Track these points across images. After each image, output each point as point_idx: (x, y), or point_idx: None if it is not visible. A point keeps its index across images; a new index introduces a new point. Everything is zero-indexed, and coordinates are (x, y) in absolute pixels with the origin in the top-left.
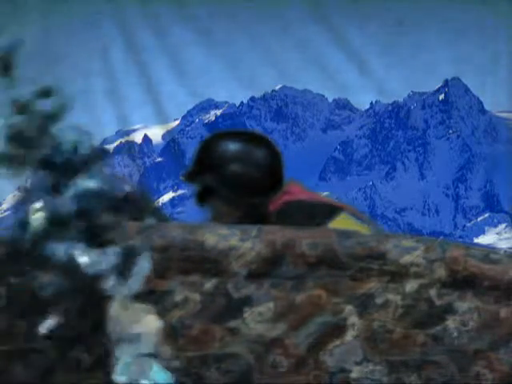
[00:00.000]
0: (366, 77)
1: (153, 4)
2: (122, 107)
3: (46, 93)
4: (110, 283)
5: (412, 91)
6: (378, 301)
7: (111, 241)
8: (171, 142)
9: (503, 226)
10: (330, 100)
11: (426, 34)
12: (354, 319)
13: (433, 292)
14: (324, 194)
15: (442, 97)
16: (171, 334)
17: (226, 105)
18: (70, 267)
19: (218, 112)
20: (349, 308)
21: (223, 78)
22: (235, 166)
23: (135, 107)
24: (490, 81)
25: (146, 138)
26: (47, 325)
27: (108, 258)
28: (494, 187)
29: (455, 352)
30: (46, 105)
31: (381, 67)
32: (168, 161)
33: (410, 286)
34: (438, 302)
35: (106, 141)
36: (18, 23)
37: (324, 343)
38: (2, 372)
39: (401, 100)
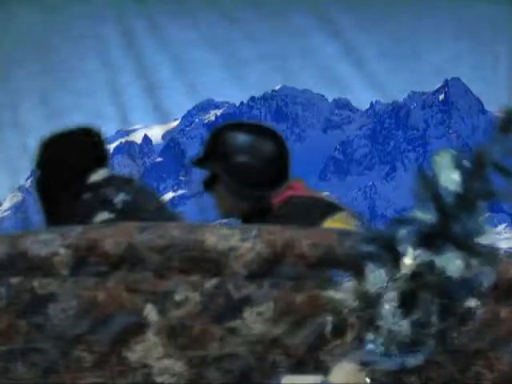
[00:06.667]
0: (365, 77)
1: (153, 4)
2: (122, 107)
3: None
4: None
5: (412, 91)
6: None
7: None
8: (171, 141)
9: (503, 226)
10: (330, 100)
11: (427, 34)
12: (354, 320)
13: None
14: (324, 194)
15: (441, 97)
16: (171, 333)
17: (226, 105)
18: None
19: (218, 112)
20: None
21: (223, 78)
22: (242, 158)
23: (135, 107)
24: (489, 81)
25: (146, 138)
26: None
27: None
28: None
29: (455, 352)
30: None
31: (381, 67)
32: (168, 161)
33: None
34: None
35: (106, 141)
36: (18, 23)
37: (323, 343)
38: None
39: (401, 100)
